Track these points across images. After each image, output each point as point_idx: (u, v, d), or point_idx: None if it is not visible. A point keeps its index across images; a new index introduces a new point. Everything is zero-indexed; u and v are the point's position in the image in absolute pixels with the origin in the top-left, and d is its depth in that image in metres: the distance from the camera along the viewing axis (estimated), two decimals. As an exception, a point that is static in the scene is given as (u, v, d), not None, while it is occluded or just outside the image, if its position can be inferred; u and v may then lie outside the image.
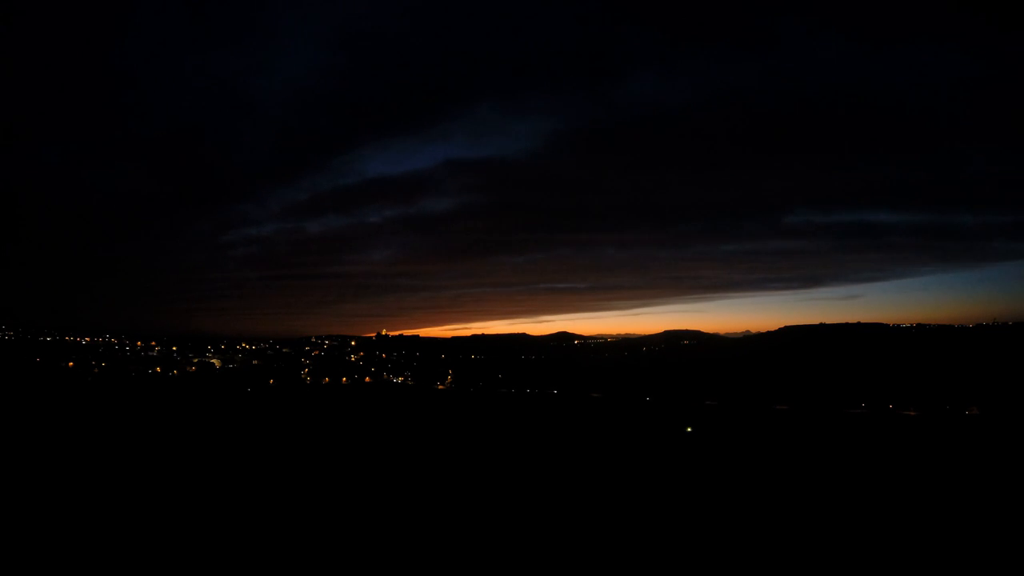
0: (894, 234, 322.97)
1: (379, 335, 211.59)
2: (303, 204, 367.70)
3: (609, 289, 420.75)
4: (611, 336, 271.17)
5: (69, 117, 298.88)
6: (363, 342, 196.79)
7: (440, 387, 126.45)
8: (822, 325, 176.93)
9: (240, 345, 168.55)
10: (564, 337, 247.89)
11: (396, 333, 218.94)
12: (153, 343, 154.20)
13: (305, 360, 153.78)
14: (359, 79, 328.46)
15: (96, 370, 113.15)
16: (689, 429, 60.98)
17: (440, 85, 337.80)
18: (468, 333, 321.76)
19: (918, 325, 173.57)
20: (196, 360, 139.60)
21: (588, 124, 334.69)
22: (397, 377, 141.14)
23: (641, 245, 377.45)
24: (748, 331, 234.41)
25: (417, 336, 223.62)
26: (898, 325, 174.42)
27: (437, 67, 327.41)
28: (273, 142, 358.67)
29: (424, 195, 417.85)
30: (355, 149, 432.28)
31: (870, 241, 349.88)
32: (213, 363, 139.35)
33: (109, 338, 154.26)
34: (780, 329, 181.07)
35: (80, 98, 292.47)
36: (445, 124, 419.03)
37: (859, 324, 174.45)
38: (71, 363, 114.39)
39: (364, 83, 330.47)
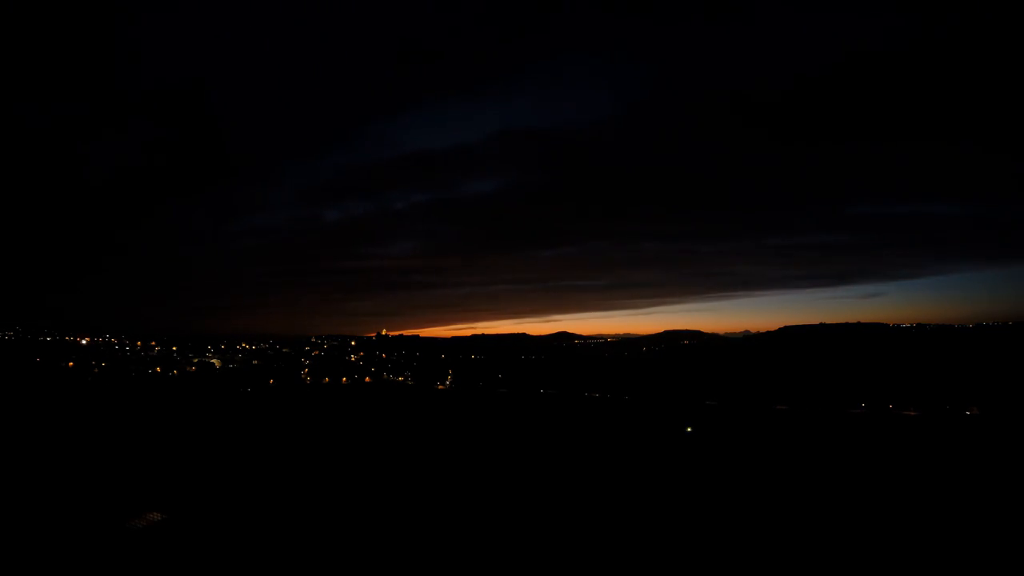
0: (944, 227, 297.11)
1: (379, 335, 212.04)
2: (323, 186, 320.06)
3: (631, 287, 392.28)
4: (611, 336, 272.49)
5: (53, 78, 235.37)
6: (363, 342, 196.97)
7: (440, 387, 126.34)
8: (822, 325, 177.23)
9: (240, 345, 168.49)
10: (564, 337, 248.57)
11: (396, 333, 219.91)
12: (153, 343, 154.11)
13: (305, 360, 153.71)
14: (401, 24, 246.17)
15: (96, 370, 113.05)
16: (689, 429, 61.00)
17: (510, 31, 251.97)
18: (469, 333, 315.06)
19: (918, 325, 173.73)
20: (196, 360, 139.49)
21: (677, 87, 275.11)
22: (397, 377, 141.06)
23: (682, 237, 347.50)
24: (748, 331, 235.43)
25: (417, 336, 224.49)
26: (898, 325, 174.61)
27: (507, 8, 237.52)
28: (293, 107, 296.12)
29: (465, 174, 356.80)
30: (394, 116, 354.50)
31: (912, 235, 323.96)
32: (213, 363, 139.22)
33: (109, 338, 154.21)
34: (780, 329, 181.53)
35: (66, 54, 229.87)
36: (510, 84, 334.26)
37: (859, 324, 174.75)
38: (71, 363, 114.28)
39: (408, 30, 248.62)
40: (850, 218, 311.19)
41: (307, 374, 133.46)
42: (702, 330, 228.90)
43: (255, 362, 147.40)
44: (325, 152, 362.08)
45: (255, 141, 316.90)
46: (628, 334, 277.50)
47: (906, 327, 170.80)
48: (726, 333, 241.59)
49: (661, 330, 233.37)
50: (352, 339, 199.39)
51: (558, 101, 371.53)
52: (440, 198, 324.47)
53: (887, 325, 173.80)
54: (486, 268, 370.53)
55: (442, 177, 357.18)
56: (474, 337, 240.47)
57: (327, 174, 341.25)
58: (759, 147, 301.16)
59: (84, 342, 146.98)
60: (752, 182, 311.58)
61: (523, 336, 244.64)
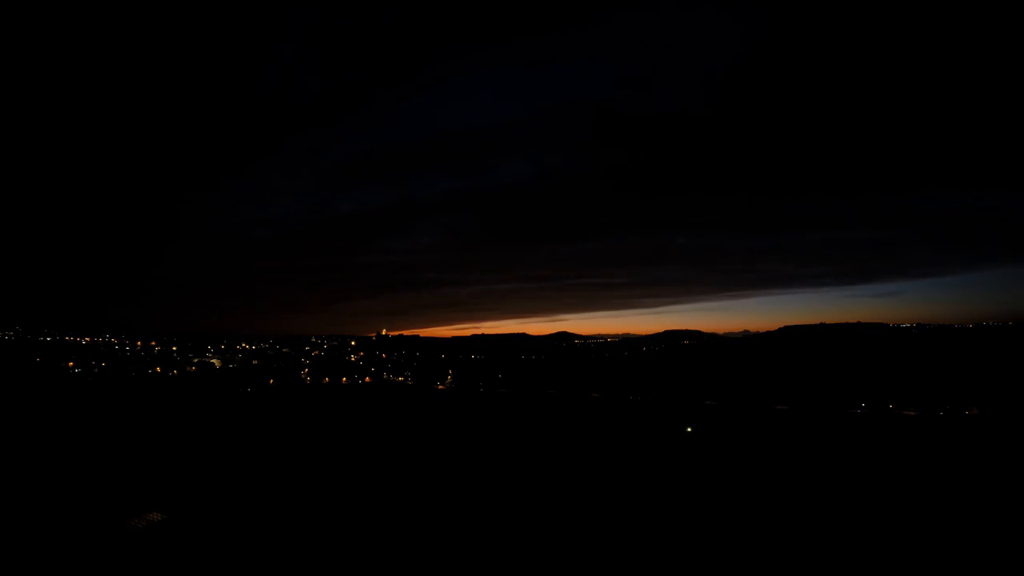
0: (990, 221, 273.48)
1: (379, 335, 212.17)
2: (337, 171, 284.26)
3: (650, 284, 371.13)
4: (611, 336, 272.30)
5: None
6: (363, 342, 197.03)
7: (440, 387, 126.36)
8: (822, 325, 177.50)
9: (240, 345, 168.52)
10: (564, 337, 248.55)
11: (396, 333, 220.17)
12: (153, 343, 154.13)
13: (305, 360, 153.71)
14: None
15: (96, 370, 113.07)
16: (689, 429, 61.03)
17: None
18: (469, 333, 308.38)
19: (918, 325, 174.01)
20: (196, 360, 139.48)
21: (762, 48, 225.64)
22: (397, 377, 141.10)
23: (719, 232, 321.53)
24: (747, 331, 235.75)
25: (417, 336, 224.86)
26: (898, 325, 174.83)
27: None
28: (305, 75, 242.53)
29: (501, 158, 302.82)
30: (423, 89, 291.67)
31: (951, 230, 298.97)
32: (213, 363, 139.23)
33: (109, 338, 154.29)
34: (780, 329, 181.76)
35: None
36: (572, 46, 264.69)
37: (859, 324, 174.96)
38: (71, 363, 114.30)
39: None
40: (901, 210, 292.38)
41: (307, 374, 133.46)
42: (702, 330, 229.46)
43: (255, 362, 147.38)
44: (337, 132, 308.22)
45: (262, 117, 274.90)
46: (628, 334, 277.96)
47: (906, 327, 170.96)
48: (725, 333, 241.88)
49: (661, 330, 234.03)
50: (352, 339, 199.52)
51: (620, 71, 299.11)
52: (469, 186, 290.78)
53: (887, 325, 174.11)
54: (502, 265, 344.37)
55: (472, 161, 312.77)
56: (474, 337, 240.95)
57: (339, 157, 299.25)
58: (800, 135, 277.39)
59: (84, 342, 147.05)
60: (795, 171, 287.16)
61: (523, 336, 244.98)
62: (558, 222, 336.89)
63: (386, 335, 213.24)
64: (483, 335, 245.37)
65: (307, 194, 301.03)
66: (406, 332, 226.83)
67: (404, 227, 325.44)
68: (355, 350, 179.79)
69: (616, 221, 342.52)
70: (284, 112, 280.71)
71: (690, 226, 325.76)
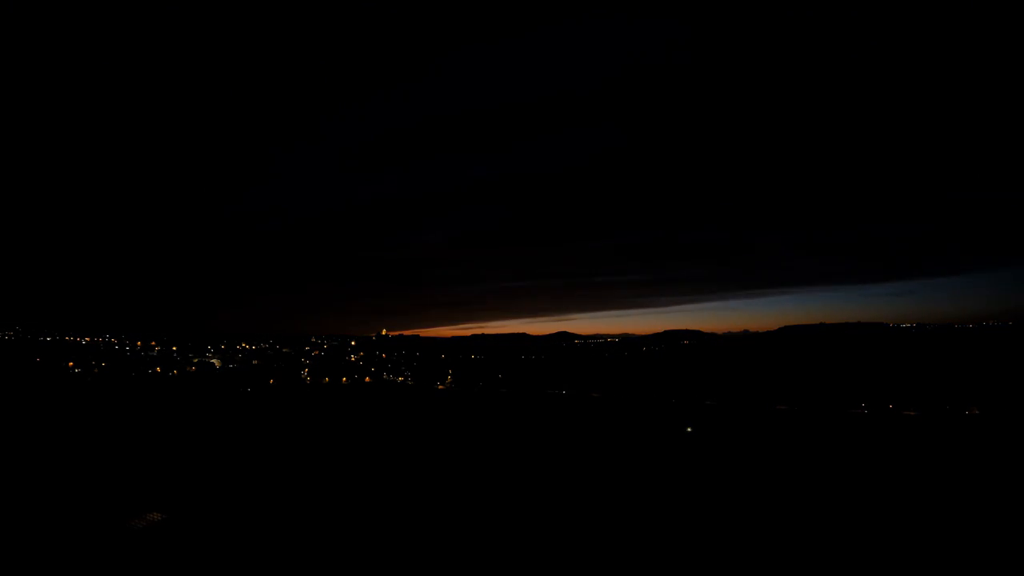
0: (990, 221, 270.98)
1: (379, 335, 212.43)
2: (352, 151, 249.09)
3: (652, 284, 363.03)
4: (611, 336, 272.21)
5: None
6: (363, 342, 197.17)
7: (440, 387, 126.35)
8: (822, 325, 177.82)
9: (240, 345, 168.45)
10: (564, 337, 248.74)
11: (396, 333, 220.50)
12: (153, 343, 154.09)
13: (305, 360, 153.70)
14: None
15: (96, 370, 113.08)
16: (689, 429, 61.04)
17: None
18: (469, 333, 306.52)
19: (918, 325, 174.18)
20: (196, 360, 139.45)
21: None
22: (397, 377, 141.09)
23: (721, 232, 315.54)
24: (747, 331, 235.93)
25: (417, 336, 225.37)
26: (898, 325, 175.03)
27: None
28: (320, 37, 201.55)
29: (540, 137, 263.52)
30: (458, 48, 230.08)
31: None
32: (213, 363, 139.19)
33: (109, 338, 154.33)
34: (780, 329, 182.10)
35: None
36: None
37: (859, 324, 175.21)
38: (71, 363, 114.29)
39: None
40: (901, 211, 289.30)
41: (307, 374, 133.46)
42: (702, 330, 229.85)
43: (255, 362, 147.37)
44: (355, 106, 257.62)
45: (265, 91, 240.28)
46: (628, 334, 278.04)
47: (906, 327, 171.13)
48: (725, 333, 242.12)
49: (661, 330, 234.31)
50: (352, 339, 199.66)
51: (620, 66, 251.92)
52: (496, 174, 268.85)
53: (887, 325, 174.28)
54: (519, 261, 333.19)
55: (505, 138, 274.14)
56: (474, 337, 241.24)
57: (355, 136, 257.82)
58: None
59: (84, 342, 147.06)
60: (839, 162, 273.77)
61: (523, 336, 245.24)
62: (588, 213, 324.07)
63: (386, 335, 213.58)
64: (483, 335, 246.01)
65: (314, 180, 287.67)
66: (406, 332, 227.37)
67: (417, 223, 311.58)
68: (355, 350, 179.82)
69: (619, 220, 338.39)
70: (287, 109, 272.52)
71: (693, 226, 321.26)
